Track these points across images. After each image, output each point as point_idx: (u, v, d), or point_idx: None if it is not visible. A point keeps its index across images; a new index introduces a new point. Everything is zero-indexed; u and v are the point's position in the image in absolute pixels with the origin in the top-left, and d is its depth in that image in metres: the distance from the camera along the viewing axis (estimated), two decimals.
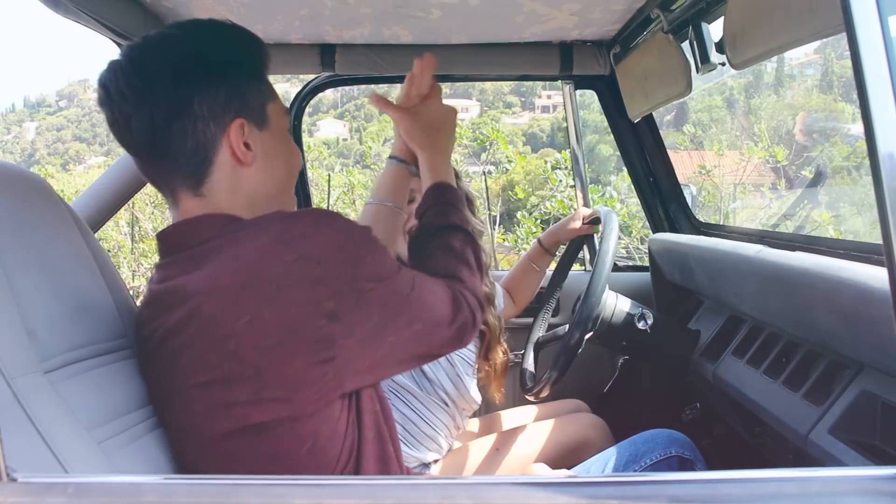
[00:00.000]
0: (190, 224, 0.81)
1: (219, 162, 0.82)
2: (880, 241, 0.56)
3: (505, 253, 5.17)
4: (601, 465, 1.24)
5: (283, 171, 0.88)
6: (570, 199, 4.45)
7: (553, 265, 1.79)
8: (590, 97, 1.98)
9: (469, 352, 1.41)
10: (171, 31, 0.85)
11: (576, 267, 1.79)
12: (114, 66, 0.80)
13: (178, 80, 0.79)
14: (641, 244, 4.78)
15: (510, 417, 1.63)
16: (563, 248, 1.78)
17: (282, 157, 0.87)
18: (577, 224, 1.66)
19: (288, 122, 0.90)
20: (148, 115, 0.79)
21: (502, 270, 1.95)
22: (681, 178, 1.94)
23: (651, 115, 1.84)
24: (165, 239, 0.83)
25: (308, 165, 3.51)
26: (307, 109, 1.97)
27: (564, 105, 2.00)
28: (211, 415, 0.73)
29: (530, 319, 1.72)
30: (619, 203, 4.63)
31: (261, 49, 0.87)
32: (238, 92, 0.82)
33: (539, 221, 4.72)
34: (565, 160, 4.62)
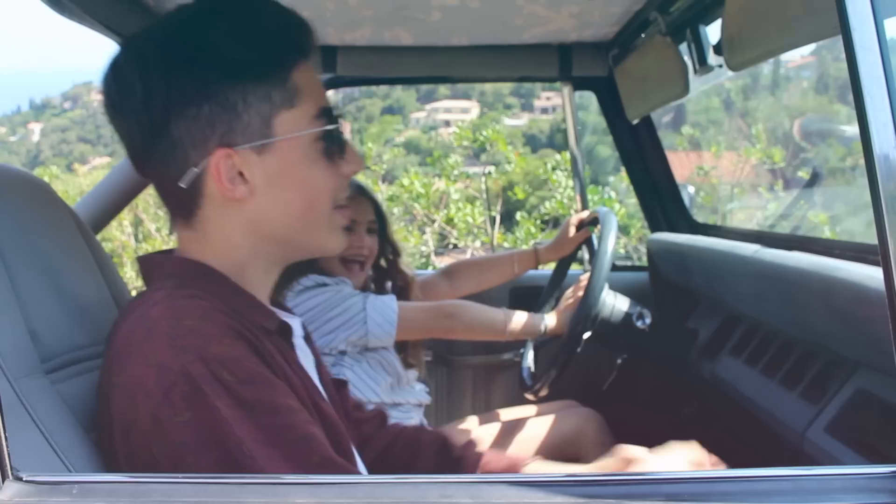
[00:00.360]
0: (159, 261, 0.72)
1: (208, 195, 0.68)
2: (876, 242, 0.57)
3: None
4: None
5: (299, 201, 0.69)
6: (570, 200, 4.46)
7: (552, 265, 1.79)
8: (588, 98, 1.99)
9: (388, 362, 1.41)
10: (152, 30, 0.69)
11: (575, 266, 1.80)
12: (104, 72, 0.68)
13: (147, 99, 0.65)
14: (640, 244, 4.79)
15: (508, 416, 1.64)
16: None
17: (296, 182, 0.68)
18: (572, 231, 1.65)
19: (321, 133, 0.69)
20: (127, 137, 0.69)
21: None
22: (679, 179, 1.94)
23: (649, 116, 1.84)
24: (141, 266, 0.75)
25: None
26: None
27: (563, 106, 2.01)
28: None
29: None
30: (617, 203, 4.63)
31: (278, 41, 0.67)
32: (227, 108, 0.65)
33: (539, 222, 4.73)
34: (565, 161, 4.63)
